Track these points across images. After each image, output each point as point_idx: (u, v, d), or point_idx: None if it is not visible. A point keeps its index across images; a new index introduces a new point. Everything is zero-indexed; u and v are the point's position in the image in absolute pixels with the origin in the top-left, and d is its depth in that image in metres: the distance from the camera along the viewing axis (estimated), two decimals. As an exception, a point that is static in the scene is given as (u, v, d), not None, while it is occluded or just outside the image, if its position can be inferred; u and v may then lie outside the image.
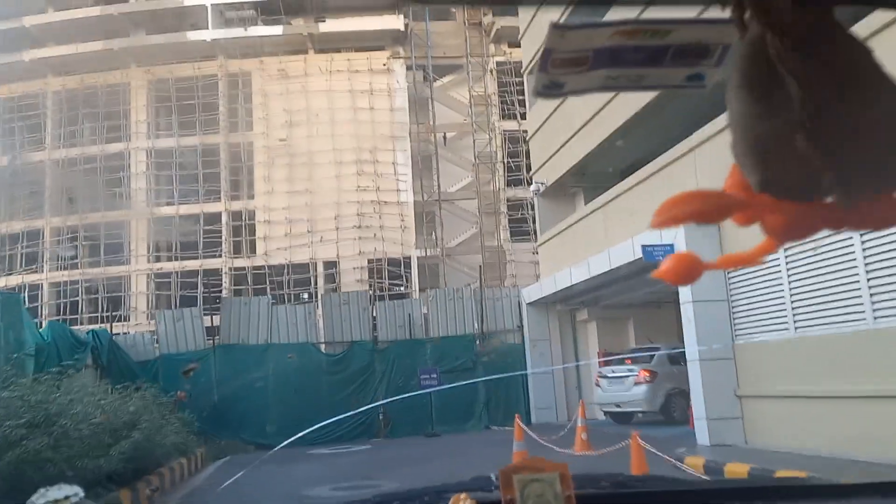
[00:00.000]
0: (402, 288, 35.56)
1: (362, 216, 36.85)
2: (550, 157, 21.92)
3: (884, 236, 10.37)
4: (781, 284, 13.00)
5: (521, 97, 37.44)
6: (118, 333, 24.13)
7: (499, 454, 15.21)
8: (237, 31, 38.32)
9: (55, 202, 37.81)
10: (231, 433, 21.01)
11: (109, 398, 14.73)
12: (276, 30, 38.38)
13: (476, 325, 22.52)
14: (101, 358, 20.72)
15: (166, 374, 21.32)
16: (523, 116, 38.21)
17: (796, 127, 0.72)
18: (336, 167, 37.07)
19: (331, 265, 36.95)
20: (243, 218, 37.62)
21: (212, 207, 37.79)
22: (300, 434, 18.45)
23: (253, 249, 37.38)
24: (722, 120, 12.64)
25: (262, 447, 21.18)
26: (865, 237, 10.76)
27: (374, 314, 22.71)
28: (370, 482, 13.40)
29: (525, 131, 38.17)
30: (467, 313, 22.64)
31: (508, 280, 34.31)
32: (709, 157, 14.12)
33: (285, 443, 17.52)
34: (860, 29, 7.89)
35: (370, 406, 20.61)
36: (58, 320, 29.39)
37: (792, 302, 12.77)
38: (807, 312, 12.45)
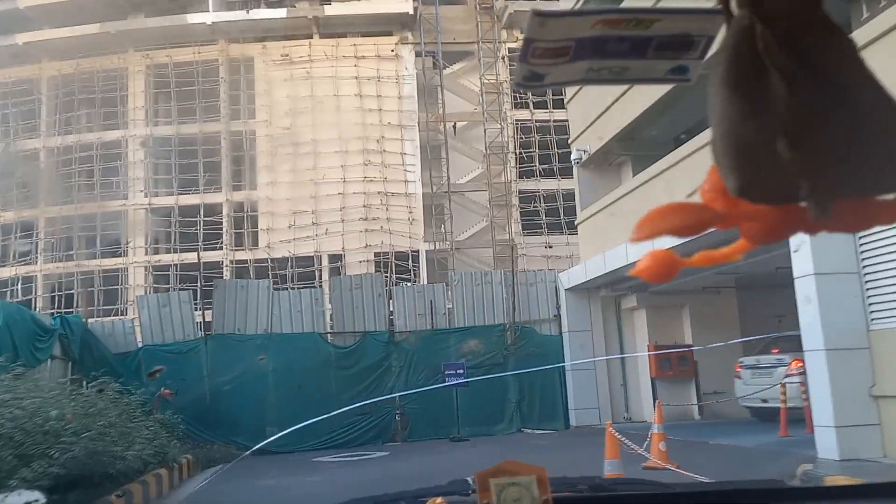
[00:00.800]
0: (410, 283, 31.57)
1: (369, 208, 32.82)
2: (594, 121, 17.66)
3: None
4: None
5: (534, 85, 33.56)
6: (96, 321, 19.72)
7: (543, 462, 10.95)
8: (239, 14, 34.12)
9: (50, 191, 33.64)
10: (224, 437, 16.68)
11: (65, 396, 10.61)
12: (280, 13, 34.11)
13: (507, 313, 18.21)
14: (72, 349, 16.34)
15: (149, 368, 16.97)
16: (536, 105, 34.42)
17: (779, 130, 0.66)
18: (342, 157, 33.00)
19: (336, 258, 32.88)
20: (245, 209, 33.53)
21: (212, 198, 33.62)
22: (273, 438, 14.43)
23: (255, 242, 33.24)
24: None
25: (260, 452, 16.93)
26: None
27: (391, 302, 18.38)
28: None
29: (538, 121, 34.67)
30: (497, 300, 18.32)
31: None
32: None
33: (256, 447, 14.09)
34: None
35: (374, 401, 16.33)
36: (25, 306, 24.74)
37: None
38: None
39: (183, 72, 33.97)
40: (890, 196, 0.71)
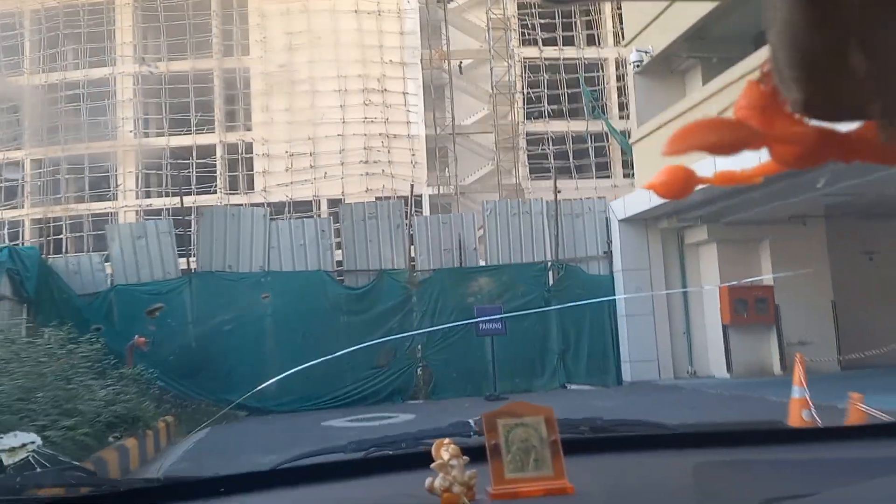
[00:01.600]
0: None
1: (369, 150, 28.72)
2: (657, 17, 13.46)
3: None
4: None
5: (542, 21, 29.41)
6: (60, 256, 15.46)
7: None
8: (232, -58, 29.56)
9: (35, 131, 29.26)
10: (214, 394, 12.68)
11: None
12: (275, -60, 29.53)
13: (549, 249, 14.15)
14: (26, 287, 12.16)
15: (123, 312, 12.88)
16: (545, 42, 30.20)
17: (852, 41, 0.54)
18: (341, 96, 28.78)
19: (335, 203, 28.63)
20: (240, 151, 29.30)
21: (205, 139, 29.36)
22: (252, 392, 10.69)
23: (251, 185, 29.05)
24: None
25: (257, 412, 12.99)
26: None
27: (412, 235, 14.22)
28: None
29: (547, 59, 30.45)
30: (536, 234, 14.23)
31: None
32: None
33: (234, 403, 11.45)
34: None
35: (387, 341, 12.44)
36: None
37: None
38: None
39: (172, 5, 29.44)
40: None
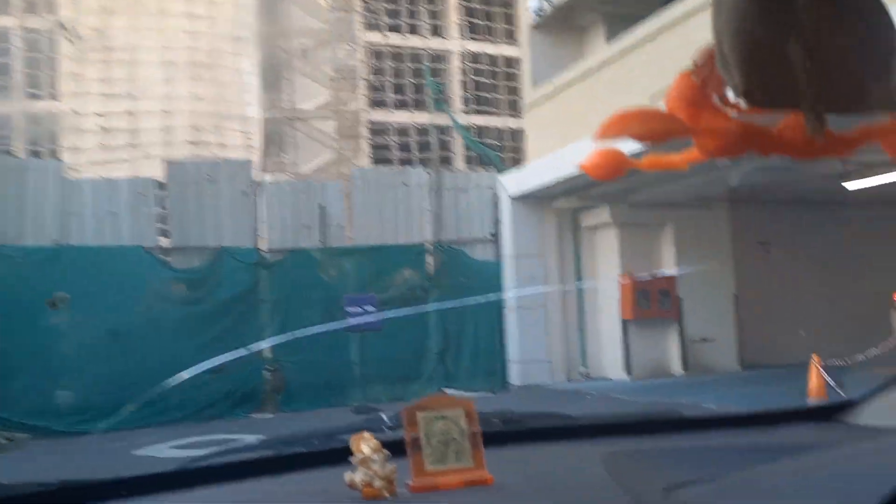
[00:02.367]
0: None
1: (198, 130, 24.65)
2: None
3: None
4: None
5: (387, 5, 26.65)
6: None
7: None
8: None
9: None
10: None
11: None
12: None
13: (430, 229, 11.14)
14: None
15: None
16: (390, 29, 27.38)
17: (795, 36, 0.57)
18: (165, 69, 24.48)
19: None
20: (44, 122, 24.19)
21: (2, 107, 23.99)
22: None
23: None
24: None
25: (45, 434, 9.06)
26: None
27: (261, 206, 10.70)
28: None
29: (391, 46, 27.64)
30: (415, 210, 11.17)
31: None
32: None
33: None
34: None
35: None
36: None
37: None
38: None
39: (-38, -52, 23.80)
40: (879, 119, 0.62)
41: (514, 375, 11.02)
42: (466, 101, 27.46)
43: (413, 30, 27.70)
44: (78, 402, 9.16)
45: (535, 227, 11.27)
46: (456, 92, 28.20)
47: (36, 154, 23.79)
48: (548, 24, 11.49)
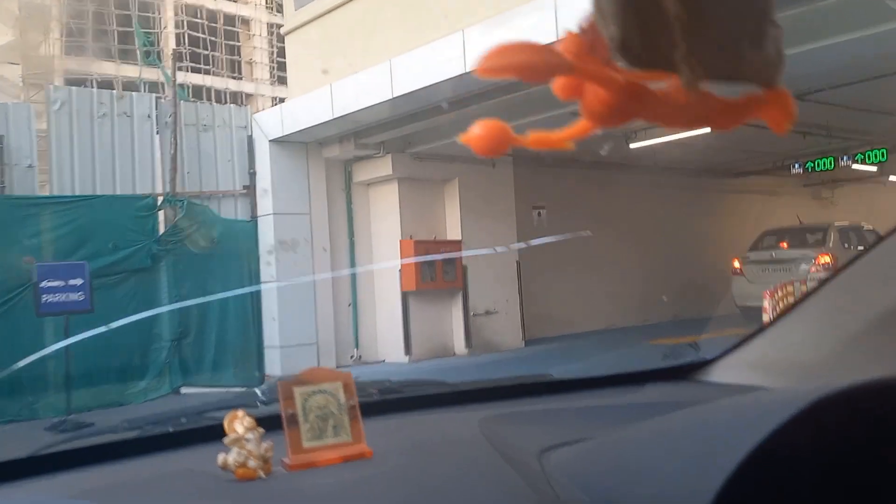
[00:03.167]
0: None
1: None
2: None
3: None
4: None
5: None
6: None
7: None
8: None
9: None
10: None
11: None
12: None
13: (163, 176, 8.35)
14: None
15: None
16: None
17: None
18: None
19: None
20: None
21: None
22: None
23: None
24: None
25: None
26: None
27: None
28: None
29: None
30: (142, 150, 8.31)
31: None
32: None
33: None
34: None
35: None
36: None
37: None
38: None
39: None
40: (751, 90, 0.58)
41: (276, 364, 8.71)
42: (181, 58, 24.02)
43: (119, -32, 23.58)
44: None
45: (300, 180, 9.03)
46: (170, 45, 24.62)
47: None
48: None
